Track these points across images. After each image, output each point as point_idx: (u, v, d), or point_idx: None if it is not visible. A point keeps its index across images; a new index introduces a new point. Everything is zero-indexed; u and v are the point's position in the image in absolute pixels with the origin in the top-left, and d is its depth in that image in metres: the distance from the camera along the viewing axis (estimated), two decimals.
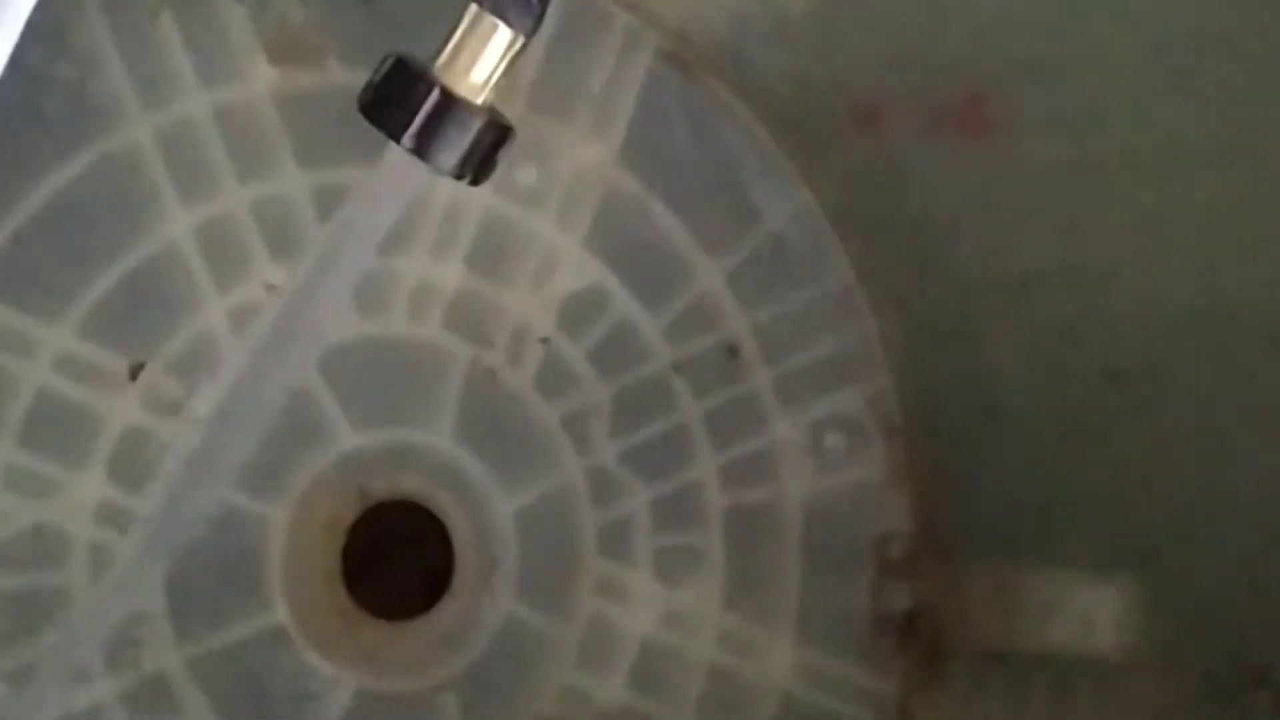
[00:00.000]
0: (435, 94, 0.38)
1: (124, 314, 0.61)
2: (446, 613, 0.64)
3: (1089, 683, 0.62)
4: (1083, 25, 0.52)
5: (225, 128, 0.62)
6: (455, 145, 0.38)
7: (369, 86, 0.40)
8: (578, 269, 0.64)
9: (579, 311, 0.65)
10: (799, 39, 0.62)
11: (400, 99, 0.38)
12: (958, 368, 0.66)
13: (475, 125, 0.38)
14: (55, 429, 0.61)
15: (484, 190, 0.63)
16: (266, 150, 0.62)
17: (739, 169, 0.66)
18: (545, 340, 0.64)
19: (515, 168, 0.64)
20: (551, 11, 0.63)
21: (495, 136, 0.39)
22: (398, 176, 0.40)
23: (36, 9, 0.56)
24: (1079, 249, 0.58)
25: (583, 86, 0.64)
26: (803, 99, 0.65)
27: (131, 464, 0.61)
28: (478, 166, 0.39)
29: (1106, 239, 0.57)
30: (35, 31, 0.60)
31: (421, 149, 0.38)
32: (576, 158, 0.64)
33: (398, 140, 0.38)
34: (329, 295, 0.43)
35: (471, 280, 0.64)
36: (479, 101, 0.39)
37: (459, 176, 0.39)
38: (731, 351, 0.65)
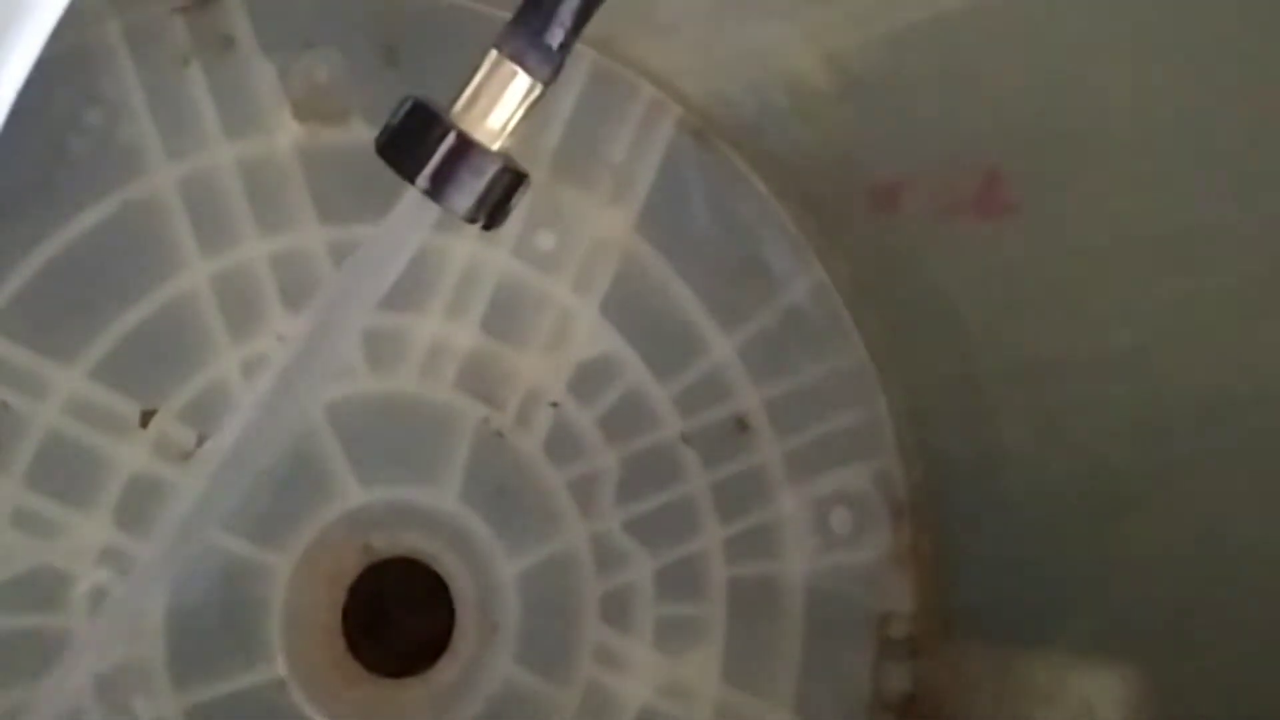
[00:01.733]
0: (452, 137, 0.38)
1: (138, 360, 0.61)
2: (445, 672, 0.64)
3: None
4: (1102, 107, 0.52)
5: (248, 180, 0.62)
6: (470, 189, 0.38)
7: (386, 128, 0.40)
8: (591, 335, 0.65)
9: (591, 378, 0.65)
10: (820, 117, 0.63)
11: (417, 141, 0.39)
12: (965, 449, 0.66)
13: (491, 170, 0.38)
14: (64, 471, 0.61)
15: (502, 253, 0.64)
16: (287, 204, 0.62)
17: (756, 243, 0.66)
18: (555, 405, 0.64)
19: (534, 232, 0.64)
20: (577, 79, 0.64)
21: (510, 182, 0.39)
22: (412, 220, 0.40)
23: (66, 55, 0.57)
24: (1090, 334, 0.58)
25: (604, 155, 0.65)
26: (822, 176, 0.65)
27: (139, 510, 0.61)
28: (491, 211, 0.39)
29: (1119, 324, 0.57)
30: (64, 76, 0.61)
31: (436, 191, 0.38)
32: (595, 225, 0.65)
33: (413, 181, 0.39)
34: (339, 336, 0.43)
35: (485, 342, 0.64)
36: (495, 147, 0.39)
37: (472, 220, 0.39)
38: (741, 424, 0.65)
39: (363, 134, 0.63)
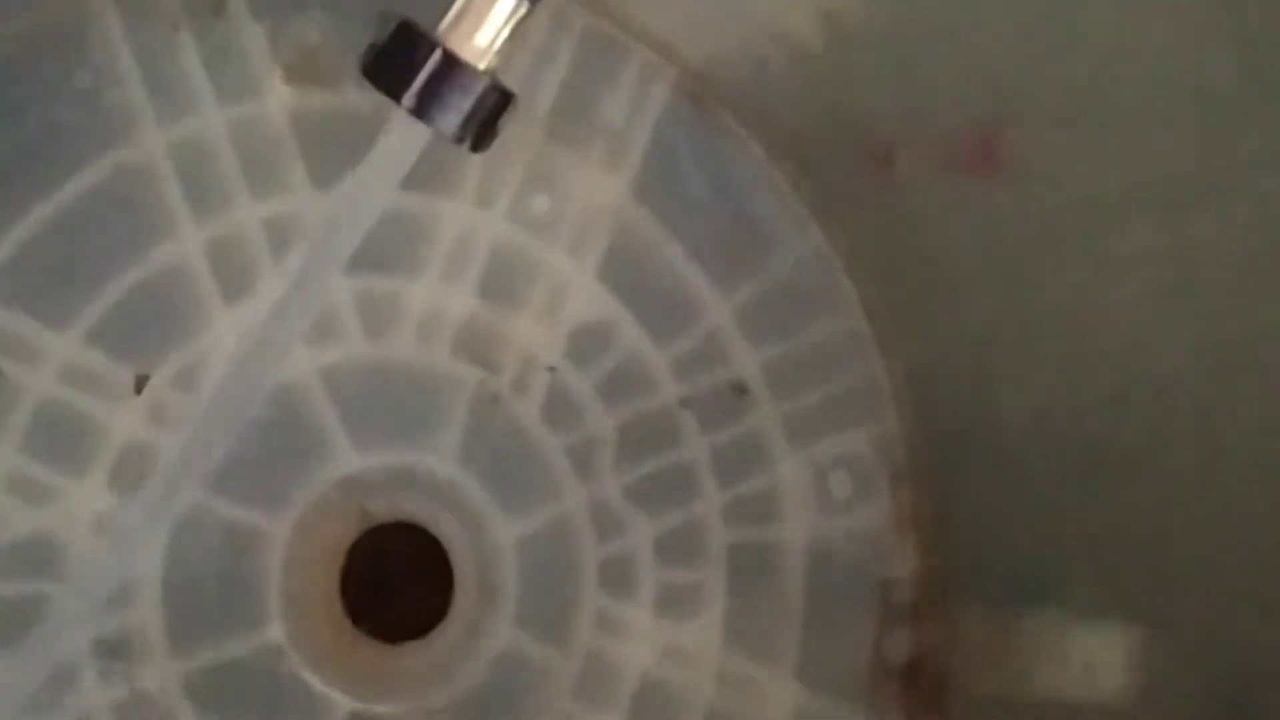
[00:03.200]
0: (438, 55, 0.38)
1: (131, 326, 0.61)
2: (445, 638, 0.64)
3: None
4: (1095, 63, 0.52)
5: (239, 144, 0.62)
6: (457, 108, 0.38)
7: (371, 48, 0.40)
8: (587, 300, 0.64)
9: (587, 342, 0.64)
10: (816, 76, 0.62)
11: (402, 60, 0.38)
12: (965, 412, 0.66)
13: (477, 89, 0.38)
14: (58, 438, 0.61)
15: (495, 217, 0.63)
16: (279, 168, 0.62)
17: (752, 206, 0.66)
18: (552, 369, 0.64)
19: (528, 196, 0.64)
20: (569, 42, 0.64)
21: (497, 101, 0.39)
22: (399, 143, 0.40)
23: (56, 21, 0.57)
24: (1087, 291, 0.58)
25: (598, 119, 0.65)
26: (818, 138, 0.65)
27: (133, 476, 0.61)
28: (479, 131, 0.39)
29: (1116, 280, 0.57)
30: (54, 42, 0.61)
31: (422, 110, 0.38)
32: (590, 189, 0.64)
33: (398, 100, 0.38)
34: (328, 268, 0.43)
35: (480, 307, 0.64)
36: (482, 66, 0.38)
37: (460, 140, 0.39)
38: (739, 389, 0.65)
39: (354, 97, 0.62)
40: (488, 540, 0.63)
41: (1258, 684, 0.54)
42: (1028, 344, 0.62)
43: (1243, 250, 0.50)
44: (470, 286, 0.64)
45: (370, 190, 0.42)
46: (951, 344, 0.65)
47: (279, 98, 0.62)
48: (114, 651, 0.61)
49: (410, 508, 0.63)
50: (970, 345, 0.64)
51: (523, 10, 0.38)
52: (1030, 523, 0.63)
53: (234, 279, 0.62)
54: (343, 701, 0.62)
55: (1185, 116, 0.50)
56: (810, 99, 0.64)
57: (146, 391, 0.61)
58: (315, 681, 0.62)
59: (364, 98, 0.62)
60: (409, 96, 0.38)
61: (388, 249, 0.63)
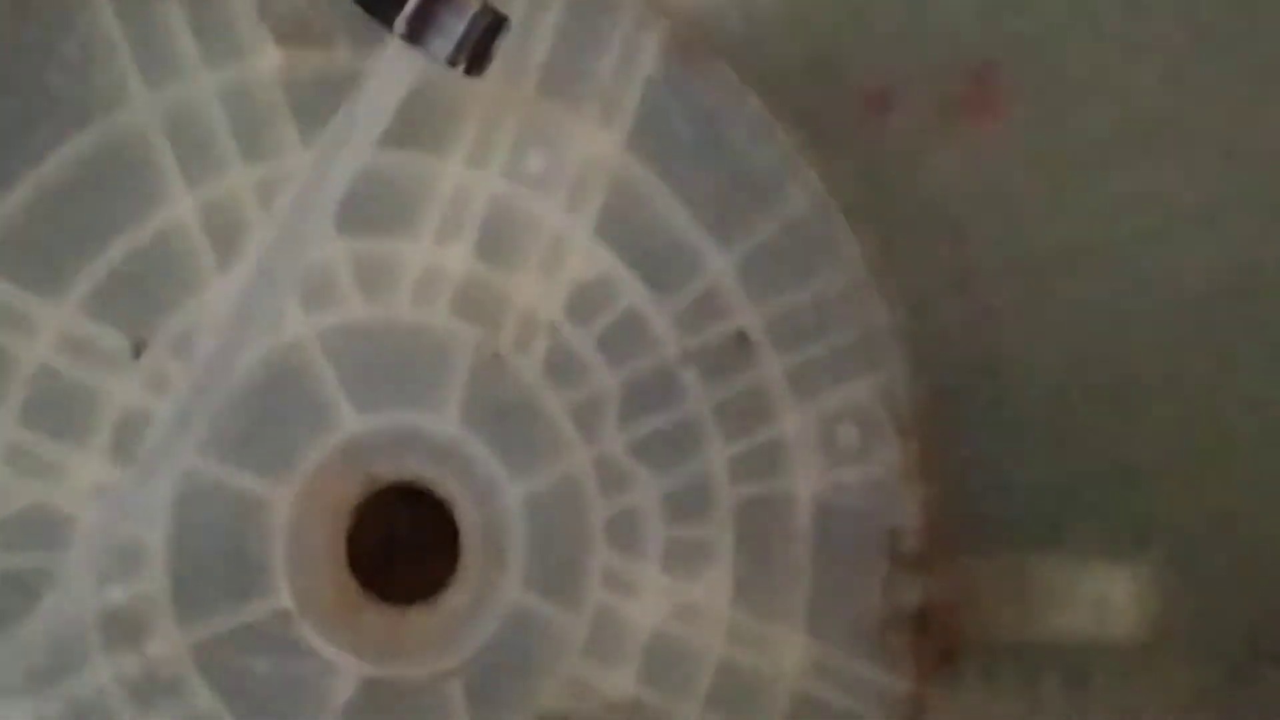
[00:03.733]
0: None
1: (127, 293, 0.61)
2: (453, 599, 0.63)
3: (1104, 669, 0.61)
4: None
5: (230, 108, 0.62)
6: (449, 32, 0.37)
7: None
8: (586, 256, 0.64)
9: (588, 299, 0.64)
10: (809, 23, 0.62)
11: None
12: (970, 358, 0.66)
13: (469, 12, 0.37)
14: (56, 408, 0.61)
15: (490, 175, 0.63)
16: (271, 131, 0.62)
17: (749, 157, 0.65)
18: (553, 327, 0.64)
19: (522, 153, 0.63)
20: None
21: (491, 24, 0.38)
22: (392, 71, 0.40)
23: None
24: (1089, 229, 0.58)
25: (591, 72, 0.64)
26: (815, 86, 0.65)
27: (132, 444, 0.61)
28: (472, 55, 0.38)
29: (1117, 220, 0.56)
30: (38, 10, 0.61)
31: (415, 35, 0.38)
32: (585, 144, 0.64)
33: (390, 26, 0.38)
34: (325, 199, 0.42)
35: (478, 266, 0.63)
36: None
37: (453, 64, 0.38)
38: (742, 341, 0.65)
39: (346, 58, 0.62)
40: (493, 500, 0.63)
41: (1271, 619, 0.54)
42: (1028, 285, 0.62)
43: (1250, 190, 0.50)
44: (467, 246, 0.63)
45: (363, 124, 0.41)
46: (953, 290, 0.65)
47: (269, 60, 0.62)
48: (120, 623, 0.61)
49: (414, 469, 0.63)
50: (972, 289, 0.64)
51: None
52: (1038, 465, 0.63)
53: (229, 243, 0.61)
54: (353, 666, 0.62)
55: (1185, 53, 0.50)
56: (805, 47, 0.64)
57: (144, 358, 0.61)
58: (324, 645, 0.62)
59: (357, 58, 0.62)
60: (401, 21, 0.37)
61: (382, 210, 0.62)
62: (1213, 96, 0.49)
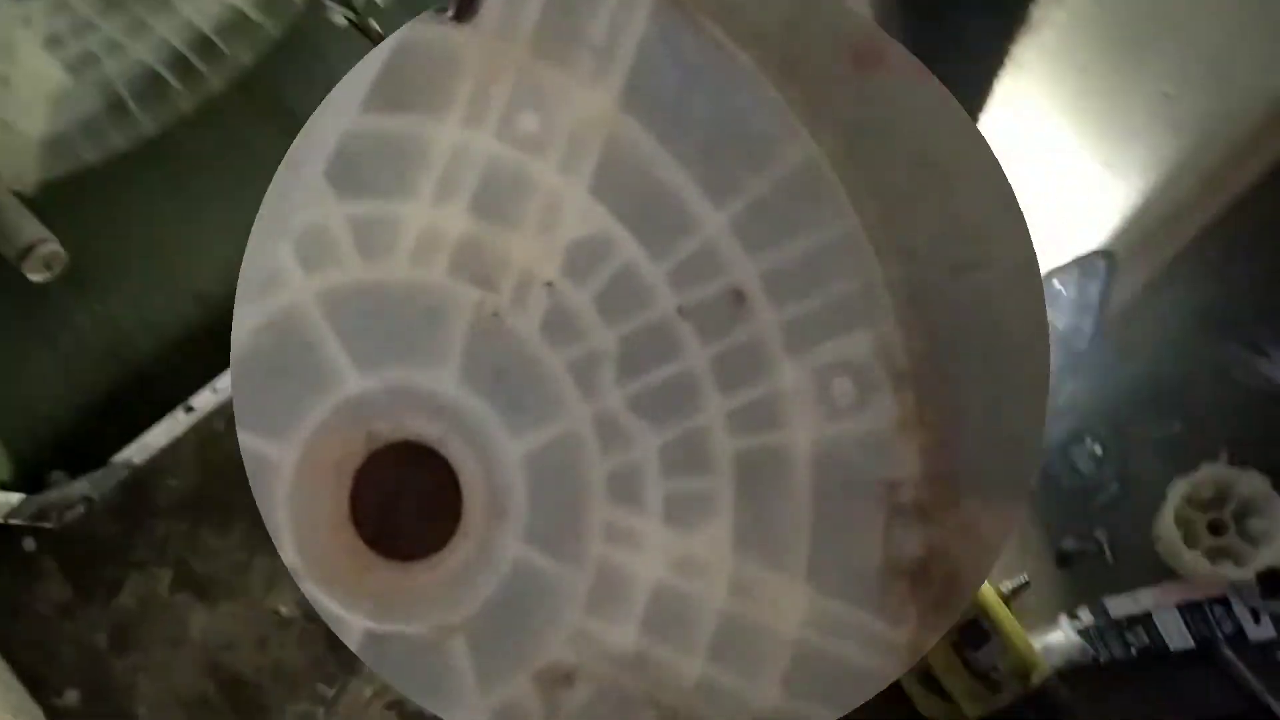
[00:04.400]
0: None
1: None
2: (456, 555, 0.64)
3: None
4: None
5: None
6: None
7: None
8: (581, 215, 0.64)
9: (584, 257, 0.65)
10: None
11: None
12: (961, 309, 0.66)
13: None
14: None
15: (485, 136, 0.63)
16: None
17: (742, 114, 0.65)
18: (550, 285, 0.64)
19: (516, 114, 0.64)
20: None
21: None
22: None
23: None
24: None
25: (584, 33, 0.64)
26: (803, 42, 0.65)
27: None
28: (461, 2, 0.39)
29: None
30: None
31: None
32: (578, 104, 0.64)
33: None
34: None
35: (475, 226, 0.64)
36: None
37: (441, 8, 0.39)
38: (737, 297, 0.65)
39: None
40: (494, 457, 0.64)
41: None
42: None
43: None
44: (464, 207, 0.64)
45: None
46: (944, 241, 0.65)
47: None
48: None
49: (415, 427, 0.64)
50: (962, 238, 0.64)
51: None
52: (1030, 416, 0.63)
53: None
54: (358, 622, 0.63)
55: None
56: (794, 3, 0.64)
57: None
58: (329, 602, 0.63)
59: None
60: None
61: (379, 172, 0.63)
62: None
